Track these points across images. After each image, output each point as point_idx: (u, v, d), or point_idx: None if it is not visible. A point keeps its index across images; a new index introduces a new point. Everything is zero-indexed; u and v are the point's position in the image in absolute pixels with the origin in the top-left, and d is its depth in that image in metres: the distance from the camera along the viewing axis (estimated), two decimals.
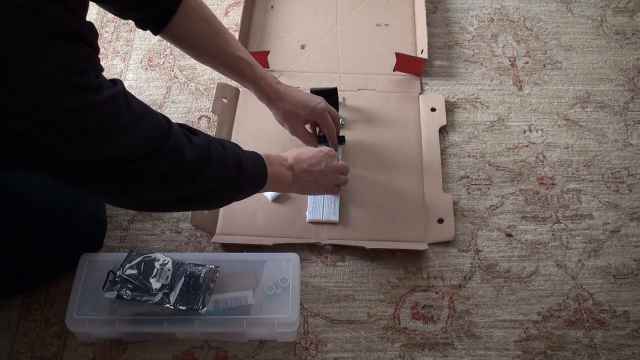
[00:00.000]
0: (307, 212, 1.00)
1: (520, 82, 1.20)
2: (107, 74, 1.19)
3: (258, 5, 1.30)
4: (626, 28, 1.29)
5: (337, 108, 1.06)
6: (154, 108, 1.12)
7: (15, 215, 0.83)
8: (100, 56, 0.61)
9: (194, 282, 0.84)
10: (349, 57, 1.22)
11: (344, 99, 1.15)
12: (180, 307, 0.82)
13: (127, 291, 0.82)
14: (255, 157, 0.83)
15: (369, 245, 0.96)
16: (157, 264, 0.85)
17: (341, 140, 1.07)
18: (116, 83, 0.62)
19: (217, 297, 0.85)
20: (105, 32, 1.27)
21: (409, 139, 1.10)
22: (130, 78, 1.20)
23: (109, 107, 0.60)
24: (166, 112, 1.15)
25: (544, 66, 1.22)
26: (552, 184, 1.06)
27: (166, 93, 1.17)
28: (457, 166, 1.08)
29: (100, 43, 0.63)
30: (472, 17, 1.31)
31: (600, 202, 1.04)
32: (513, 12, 1.32)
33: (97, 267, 0.88)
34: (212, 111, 1.10)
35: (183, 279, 0.84)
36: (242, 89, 1.15)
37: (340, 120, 1.09)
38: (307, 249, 0.98)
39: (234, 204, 0.84)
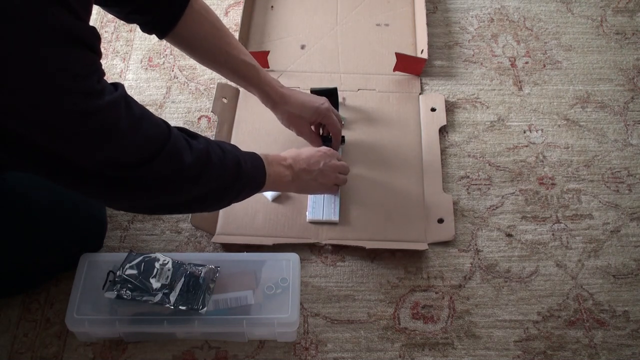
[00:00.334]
0: (307, 212, 1.00)
1: (520, 82, 1.20)
2: (107, 74, 1.20)
3: (258, 5, 1.30)
4: (626, 28, 1.29)
5: (337, 108, 1.07)
6: (154, 108, 1.15)
7: (15, 215, 0.83)
8: (101, 58, 0.61)
9: (194, 282, 0.84)
10: (349, 57, 1.22)
11: (344, 99, 1.15)
12: (180, 307, 0.82)
13: (127, 291, 0.82)
14: (254, 158, 0.83)
15: (369, 245, 0.96)
16: (157, 264, 0.85)
17: (341, 140, 1.07)
18: (117, 87, 0.63)
19: (217, 297, 0.85)
20: (105, 32, 1.27)
21: (409, 139, 1.10)
22: (130, 78, 1.20)
23: (110, 112, 0.60)
24: (166, 112, 1.15)
25: (544, 66, 1.22)
26: (552, 184, 1.06)
27: (166, 93, 1.17)
28: (457, 166, 1.08)
29: (101, 44, 0.63)
30: (472, 17, 1.31)
31: (600, 202, 1.04)
32: (513, 12, 1.32)
33: (97, 267, 0.88)
34: (212, 111, 1.10)
35: (183, 279, 0.85)
36: (242, 89, 1.15)
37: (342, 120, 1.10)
38: (307, 249, 0.98)
39: (234, 204, 0.84)
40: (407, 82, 1.18)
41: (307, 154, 0.93)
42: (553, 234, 1.01)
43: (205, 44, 0.89)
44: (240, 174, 0.78)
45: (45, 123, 0.56)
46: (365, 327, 0.91)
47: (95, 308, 0.84)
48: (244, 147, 0.84)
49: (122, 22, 1.26)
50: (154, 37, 0.88)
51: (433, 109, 1.14)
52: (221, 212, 1.01)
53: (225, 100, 1.12)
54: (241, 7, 1.24)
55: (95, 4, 0.72)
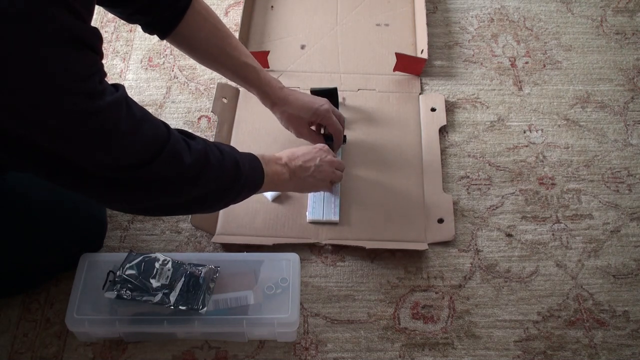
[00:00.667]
0: (307, 212, 1.00)
1: (520, 82, 1.20)
2: (107, 74, 1.19)
3: (258, 5, 1.30)
4: (626, 28, 1.29)
5: (337, 108, 1.07)
6: (154, 108, 1.15)
7: (15, 216, 0.83)
8: (103, 58, 0.61)
9: (194, 282, 0.84)
10: (349, 57, 1.22)
11: (344, 99, 1.15)
12: (180, 307, 0.82)
13: (127, 291, 0.82)
14: (252, 159, 0.83)
15: (369, 245, 0.96)
16: (157, 264, 0.85)
17: (343, 139, 1.07)
18: (118, 88, 0.63)
19: (217, 297, 0.85)
20: (105, 32, 1.27)
21: (409, 139, 1.10)
22: (130, 78, 1.20)
23: (111, 112, 0.60)
24: (166, 112, 1.15)
25: (544, 66, 1.22)
26: (552, 184, 1.06)
27: (166, 93, 1.17)
28: (457, 166, 1.08)
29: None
30: (472, 17, 1.31)
31: (600, 202, 1.04)
32: (513, 12, 1.32)
33: (97, 267, 0.88)
34: (212, 111, 1.10)
35: (183, 279, 0.85)
36: (242, 89, 1.15)
37: None
38: (307, 249, 0.98)
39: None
40: (407, 82, 1.18)
41: (302, 152, 0.93)
42: (553, 234, 1.01)
43: (206, 45, 0.90)
44: (238, 175, 0.78)
45: (45, 123, 0.56)
46: (365, 327, 0.91)
47: (95, 308, 0.84)
48: (243, 147, 0.84)
49: (122, 22, 1.27)
50: (154, 37, 0.88)
51: (433, 109, 1.14)
52: (221, 212, 1.01)
53: (225, 100, 1.13)
54: (241, 7, 1.24)
55: (98, 4, 0.72)
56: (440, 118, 1.13)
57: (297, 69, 1.20)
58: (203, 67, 1.18)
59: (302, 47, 1.24)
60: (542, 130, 1.13)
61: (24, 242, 0.84)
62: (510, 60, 1.23)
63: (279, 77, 1.17)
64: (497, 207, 1.03)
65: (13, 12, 0.50)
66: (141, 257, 0.85)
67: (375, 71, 1.20)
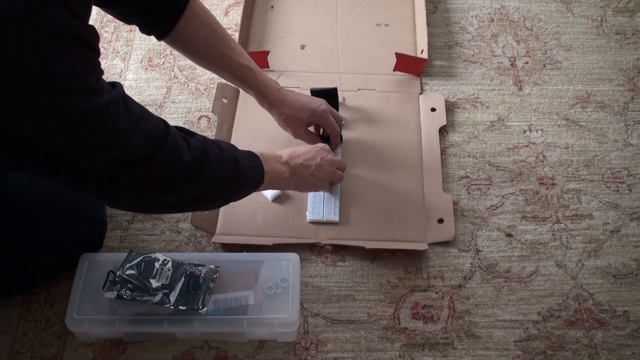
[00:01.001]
0: (307, 212, 1.00)
1: (520, 82, 1.20)
2: (107, 74, 1.20)
3: (258, 5, 1.30)
4: (626, 28, 1.29)
5: (337, 108, 1.07)
6: (154, 108, 1.15)
7: (15, 215, 0.83)
8: (100, 57, 0.62)
9: (194, 282, 0.84)
10: (349, 57, 1.22)
11: (344, 99, 1.15)
12: (180, 307, 0.82)
13: (127, 291, 0.82)
14: (252, 156, 0.83)
15: (369, 245, 0.96)
16: (157, 264, 0.85)
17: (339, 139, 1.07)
18: (115, 86, 0.63)
19: (217, 297, 0.85)
20: (105, 32, 1.27)
21: (409, 139, 1.10)
22: (130, 78, 1.20)
23: (109, 110, 0.60)
24: (166, 112, 1.15)
25: (544, 66, 1.22)
26: (552, 184, 1.06)
27: (166, 93, 1.17)
28: (457, 166, 1.08)
29: (100, 43, 0.63)
30: (472, 17, 1.31)
31: (600, 202, 1.04)
32: (513, 12, 1.32)
33: (97, 267, 0.88)
34: (212, 111, 1.10)
35: (183, 279, 0.85)
36: None
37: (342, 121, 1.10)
38: (307, 249, 0.98)
39: (234, 203, 0.84)
40: (407, 82, 1.18)
41: (303, 150, 0.93)
42: (553, 234, 1.01)
43: (204, 46, 0.90)
44: (238, 172, 0.78)
45: (45, 123, 0.56)
46: (365, 327, 0.91)
47: (95, 308, 0.84)
48: (243, 147, 0.84)
49: (122, 22, 1.27)
50: (154, 37, 0.88)
51: (433, 109, 1.14)
52: (221, 212, 1.01)
53: (225, 100, 1.13)
54: (241, 7, 1.24)
55: (95, 4, 0.72)
56: (440, 118, 1.13)
57: (297, 69, 1.20)
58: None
59: (302, 47, 1.24)
60: (542, 130, 1.13)
61: (24, 242, 0.84)
62: (510, 60, 1.23)
63: (279, 77, 1.17)
64: (497, 207, 1.03)
65: (13, 12, 0.50)
66: (141, 257, 0.85)
67: (375, 71, 1.20)
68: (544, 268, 0.97)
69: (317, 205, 1.00)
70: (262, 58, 1.16)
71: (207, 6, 0.91)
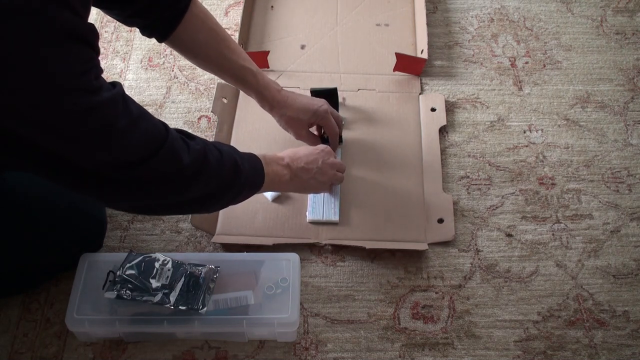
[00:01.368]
0: (307, 212, 1.00)
1: (520, 82, 1.20)
2: (107, 74, 1.20)
3: (258, 5, 1.30)
4: (626, 28, 1.29)
5: (337, 108, 1.07)
6: (154, 108, 1.15)
7: (16, 216, 0.83)
8: (100, 56, 0.62)
9: (194, 282, 0.84)
10: (349, 57, 1.22)
11: (344, 99, 1.15)
12: (180, 307, 0.82)
13: (127, 291, 0.82)
14: (252, 158, 0.83)
15: (369, 245, 0.96)
16: (157, 264, 0.85)
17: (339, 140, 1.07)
18: (115, 85, 0.63)
19: (217, 297, 0.85)
20: (105, 32, 1.27)
21: (409, 139, 1.10)
22: (130, 78, 1.20)
23: (108, 109, 0.60)
24: (166, 112, 1.15)
25: (544, 66, 1.22)
26: (552, 184, 1.06)
27: (166, 93, 1.17)
28: (457, 166, 1.08)
29: (100, 43, 0.63)
30: (472, 17, 1.31)
31: (600, 202, 1.04)
32: (513, 12, 1.32)
33: (97, 267, 0.88)
34: (212, 111, 1.10)
35: (183, 279, 0.85)
36: None
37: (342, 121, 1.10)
38: (307, 249, 0.98)
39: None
40: (407, 82, 1.18)
41: (304, 152, 0.93)
42: (553, 234, 1.01)
43: (204, 48, 0.90)
44: (238, 174, 0.78)
45: (45, 123, 0.56)
46: (365, 327, 0.91)
47: (95, 308, 0.84)
48: (243, 147, 0.84)
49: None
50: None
51: (433, 109, 1.14)
52: (221, 212, 1.01)
53: (225, 100, 1.13)
54: (241, 7, 1.24)
55: (95, 6, 0.72)
56: (440, 118, 1.13)
57: (297, 69, 1.20)
58: None
59: (302, 47, 1.24)
60: (542, 130, 1.13)
61: (24, 242, 0.84)
62: (510, 60, 1.23)
63: (278, 77, 1.17)
64: (497, 207, 1.03)
65: (13, 10, 0.50)
66: (141, 257, 0.85)
67: (375, 71, 1.20)
68: (544, 268, 0.97)
69: (317, 206, 1.00)
70: (262, 58, 1.16)
71: (207, 6, 0.91)
